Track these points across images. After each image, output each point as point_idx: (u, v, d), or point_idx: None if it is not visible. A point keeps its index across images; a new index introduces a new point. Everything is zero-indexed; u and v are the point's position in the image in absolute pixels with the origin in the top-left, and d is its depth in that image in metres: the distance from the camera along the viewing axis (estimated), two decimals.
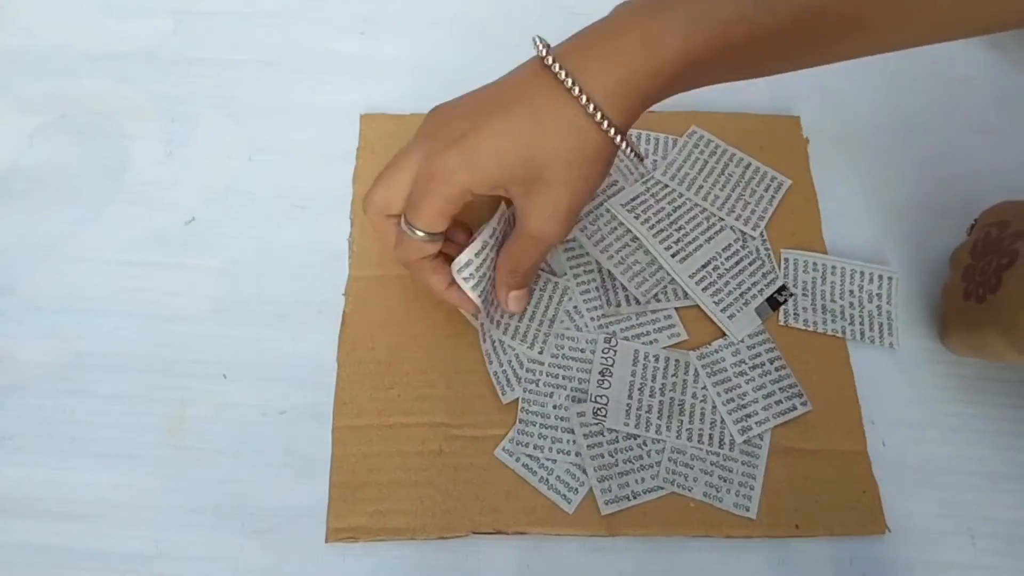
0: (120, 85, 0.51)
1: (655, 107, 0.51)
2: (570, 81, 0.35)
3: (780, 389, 0.42)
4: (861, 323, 0.45)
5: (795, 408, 0.42)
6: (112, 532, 0.39)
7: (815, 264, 0.46)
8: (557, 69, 0.36)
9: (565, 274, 0.45)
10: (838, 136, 0.51)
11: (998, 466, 0.42)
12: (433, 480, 0.40)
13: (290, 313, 0.45)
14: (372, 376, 0.43)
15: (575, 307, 0.44)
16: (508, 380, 0.42)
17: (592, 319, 0.44)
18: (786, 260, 0.46)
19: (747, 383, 0.42)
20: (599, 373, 0.42)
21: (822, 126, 0.51)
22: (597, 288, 0.45)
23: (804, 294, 0.45)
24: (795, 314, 0.45)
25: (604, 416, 0.41)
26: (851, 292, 0.46)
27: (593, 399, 0.42)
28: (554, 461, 0.40)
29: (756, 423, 0.41)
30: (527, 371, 0.42)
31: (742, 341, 0.44)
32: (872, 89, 0.54)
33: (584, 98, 0.35)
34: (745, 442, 0.41)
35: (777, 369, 0.43)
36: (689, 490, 0.40)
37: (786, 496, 0.40)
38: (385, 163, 0.48)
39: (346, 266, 0.46)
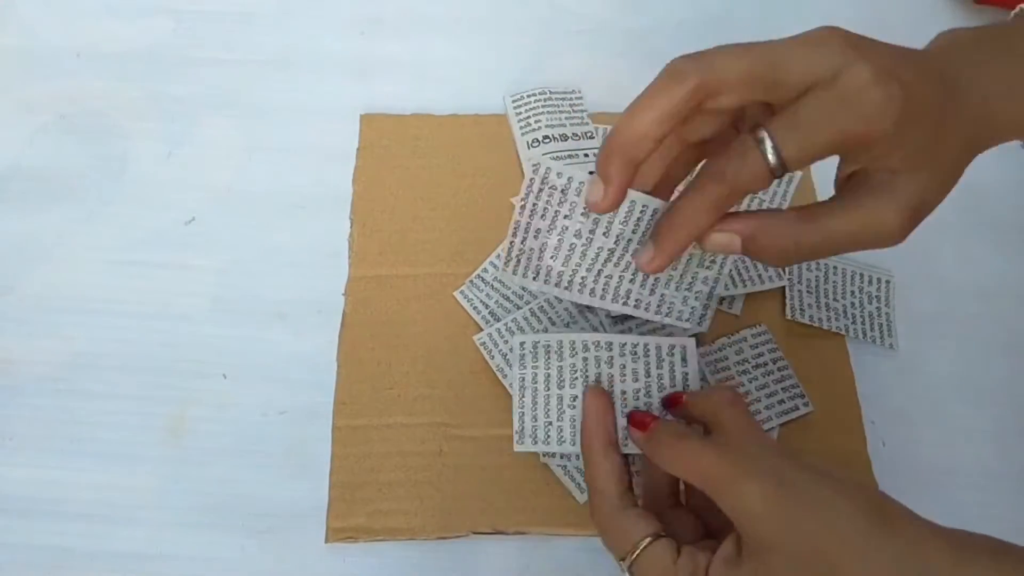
0: (120, 85, 0.51)
1: None
2: None
3: (783, 389, 0.42)
4: (863, 323, 0.45)
5: (797, 408, 0.42)
6: (112, 532, 0.39)
7: (818, 263, 0.46)
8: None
9: None
10: None
11: (998, 466, 0.42)
12: (433, 480, 0.40)
13: (290, 313, 0.45)
14: (372, 376, 0.43)
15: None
16: None
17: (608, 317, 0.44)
18: None
19: (750, 382, 0.42)
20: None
21: None
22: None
23: (809, 291, 0.45)
24: (801, 309, 0.45)
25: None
26: (852, 292, 0.46)
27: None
28: (578, 456, 0.40)
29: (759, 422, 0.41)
30: None
31: (744, 340, 0.44)
32: None
33: None
34: None
35: (780, 369, 0.43)
36: None
37: None
38: (385, 163, 0.49)
39: (346, 266, 0.46)
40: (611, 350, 0.36)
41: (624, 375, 0.36)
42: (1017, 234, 0.49)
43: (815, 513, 0.28)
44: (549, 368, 0.36)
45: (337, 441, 0.41)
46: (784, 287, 0.45)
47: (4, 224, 0.46)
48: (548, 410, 0.37)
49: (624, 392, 0.36)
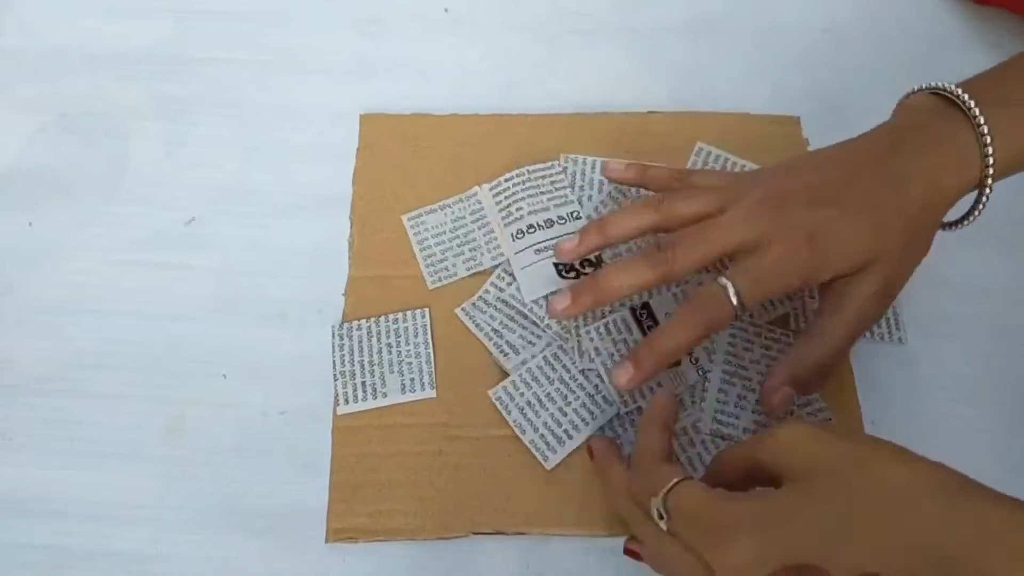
0: (120, 85, 0.51)
1: (657, 108, 0.51)
2: (982, 120, 0.36)
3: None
4: None
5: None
6: (112, 532, 0.39)
7: None
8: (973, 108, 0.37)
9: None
10: (838, 136, 0.51)
11: (998, 467, 0.42)
12: (433, 480, 0.40)
13: (290, 313, 0.45)
14: None
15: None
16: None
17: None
18: None
19: (757, 374, 0.43)
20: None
21: (822, 126, 0.51)
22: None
23: (812, 296, 0.45)
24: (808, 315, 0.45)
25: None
26: None
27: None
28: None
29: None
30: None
31: (759, 334, 0.43)
32: (872, 89, 0.53)
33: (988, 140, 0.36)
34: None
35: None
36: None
37: None
38: (385, 163, 0.48)
39: (346, 266, 0.46)
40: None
41: None
42: (1018, 234, 0.49)
43: (853, 441, 0.31)
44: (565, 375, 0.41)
45: (337, 441, 0.41)
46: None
47: (4, 224, 0.46)
48: (542, 392, 0.41)
49: None
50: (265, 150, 0.49)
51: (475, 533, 0.39)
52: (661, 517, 0.32)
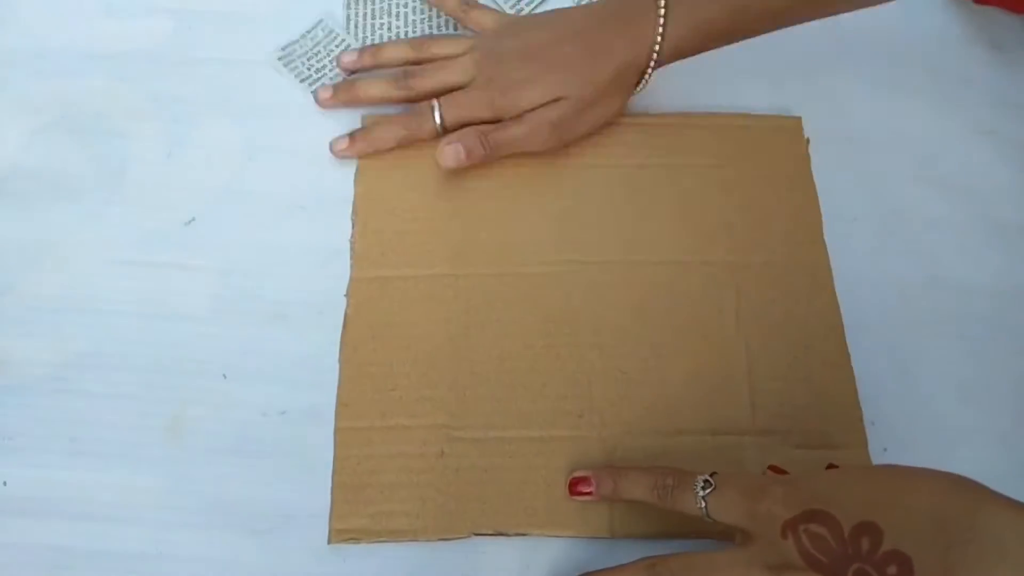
0: (120, 85, 0.51)
1: (657, 109, 0.51)
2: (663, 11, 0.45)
3: None
4: None
5: None
6: (112, 532, 0.39)
7: None
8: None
9: None
10: (838, 136, 0.51)
11: (998, 467, 0.42)
12: (434, 482, 0.40)
13: (290, 313, 0.45)
14: (374, 378, 0.43)
15: None
16: None
17: None
18: None
19: None
20: None
21: (822, 126, 0.51)
22: None
23: None
24: None
25: None
26: None
27: None
28: None
29: None
30: None
31: None
32: (872, 89, 0.54)
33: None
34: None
35: None
36: None
37: None
38: (386, 164, 0.48)
39: (347, 266, 0.46)
40: None
41: None
42: (1019, 234, 0.49)
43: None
44: None
45: (339, 443, 0.41)
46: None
47: (4, 224, 0.46)
48: None
49: None
50: (265, 150, 0.49)
51: (476, 534, 0.39)
52: (706, 487, 0.36)
